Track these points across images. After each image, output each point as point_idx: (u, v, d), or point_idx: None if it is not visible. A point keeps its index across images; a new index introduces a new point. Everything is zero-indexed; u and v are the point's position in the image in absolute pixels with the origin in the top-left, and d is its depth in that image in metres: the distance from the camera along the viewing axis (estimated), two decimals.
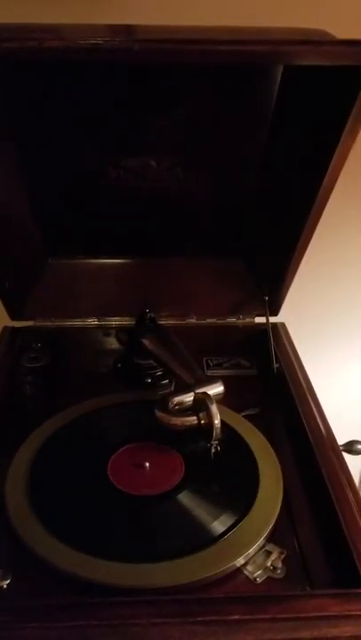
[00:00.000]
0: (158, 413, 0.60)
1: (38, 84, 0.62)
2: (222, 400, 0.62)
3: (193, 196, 0.75)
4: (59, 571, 0.49)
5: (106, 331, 0.82)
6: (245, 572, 0.50)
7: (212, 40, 0.47)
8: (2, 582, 0.48)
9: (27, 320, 0.81)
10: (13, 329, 0.81)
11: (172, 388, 0.72)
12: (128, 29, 0.55)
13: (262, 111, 0.65)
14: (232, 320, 0.82)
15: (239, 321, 0.82)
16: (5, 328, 0.81)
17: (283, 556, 0.51)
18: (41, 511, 0.54)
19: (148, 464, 0.59)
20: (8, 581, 0.48)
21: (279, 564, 0.50)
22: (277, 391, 0.73)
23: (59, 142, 0.69)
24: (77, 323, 0.81)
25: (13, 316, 0.79)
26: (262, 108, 0.64)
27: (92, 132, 0.68)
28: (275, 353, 0.76)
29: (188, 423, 0.59)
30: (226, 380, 0.64)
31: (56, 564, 0.49)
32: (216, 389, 0.62)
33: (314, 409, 0.66)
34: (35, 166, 0.71)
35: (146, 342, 0.73)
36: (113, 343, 0.82)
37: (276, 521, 0.54)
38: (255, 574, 0.50)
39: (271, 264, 0.77)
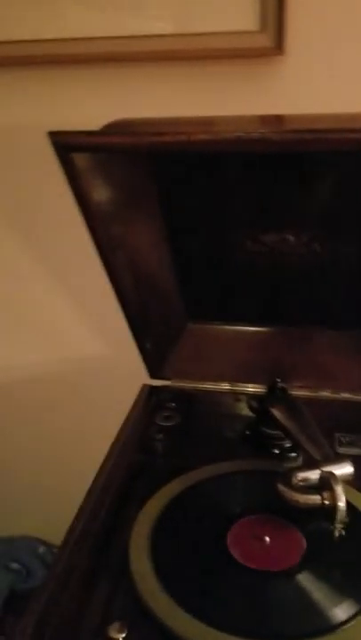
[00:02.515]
0: (281, 488, 0.59)
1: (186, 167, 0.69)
2: (352, 481, 0.60)
3: (332, 268, 0.75)
4: (170, 632, 0.49)
5: (237, 396, 0.83)
6: None
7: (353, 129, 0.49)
8: (118, 634, 0.49)
9: (164, 380, 0.86)
10: (151, 387, 0.86)
11: (300, 461, 0.71)
12: (277, 119, 0.59)
13: None
14: None
15: None
16: (145, 386, 0.87)
17: None
18: (161, 572, 0.55)
19: (268, 538, 0.58)
20: (124, 635, 0.49)
21: None
22: None
23: (202, 216, 0.74)
24: (210, 386, 0.84)
25: (153, 375, 0.84)
26: None
27: (234, 208, 0.72)
28: None
29: (310, 502, 0.57)
30: (357, 460, 0.61)
31: (169, 625, 0.50)
32: (345, 470, 0.59)
33: None
34: (180, 237, 0.77)
35: (275, 412, 0.72)
36: (243, 409, 0.83)
37: None
38: None
39: None
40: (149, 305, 0.77)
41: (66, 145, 0.54)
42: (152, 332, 0.79)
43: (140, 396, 0.85)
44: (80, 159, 0.57)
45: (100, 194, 0.64)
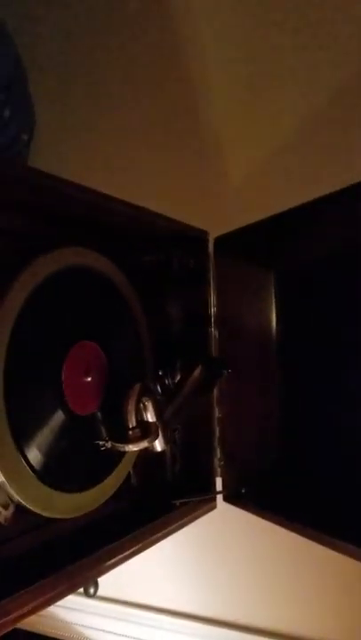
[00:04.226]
0: (135, 387, 0.62)
1: None
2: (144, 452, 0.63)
3: None
4: None
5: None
6: None
7: None
8: None
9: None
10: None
11: (159, 396, 0.72)
12: None
13: None
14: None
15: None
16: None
17: None
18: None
19: (90, 378, 0.62)
20: None
21: None
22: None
23: None
24: None
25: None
26: None
27: None
28: None
29: (126, 417, 0.61)
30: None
31: None
32: (159, 444, 0.63)
33: None
34: None
35: (197, 371, 0.71)
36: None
37: None
38: None
39: None
40: None
41: None
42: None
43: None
44: None
45: None
